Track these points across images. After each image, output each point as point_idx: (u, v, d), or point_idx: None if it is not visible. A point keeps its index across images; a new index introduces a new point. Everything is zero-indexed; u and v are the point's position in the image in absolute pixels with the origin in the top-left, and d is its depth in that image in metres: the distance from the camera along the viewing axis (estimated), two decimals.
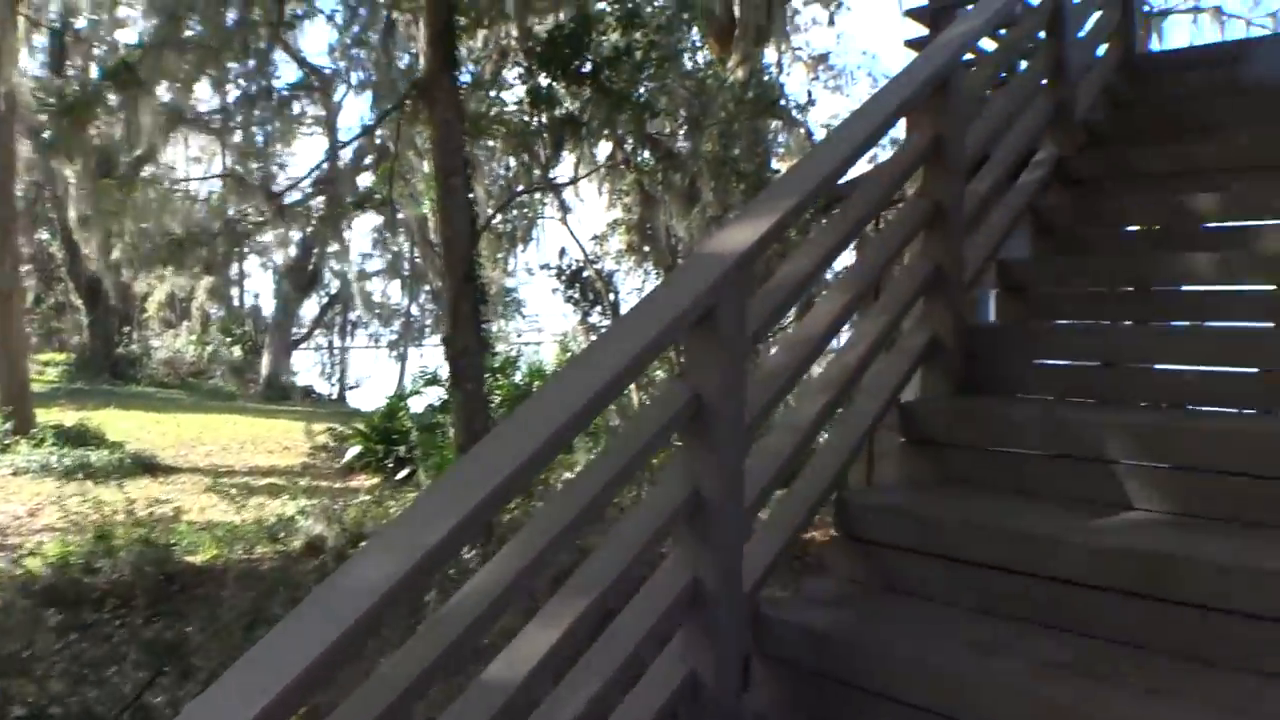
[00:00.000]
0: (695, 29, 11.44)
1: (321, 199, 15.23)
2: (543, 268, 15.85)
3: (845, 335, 3.48)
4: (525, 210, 14.87)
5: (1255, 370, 3.00)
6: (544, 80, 8.43)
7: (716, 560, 2.43)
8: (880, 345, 3.25)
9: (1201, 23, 17.02)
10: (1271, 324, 3.37)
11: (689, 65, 10.74)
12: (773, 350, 2.91)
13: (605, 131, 10.23)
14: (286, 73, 27.32)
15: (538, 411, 2.03)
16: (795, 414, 2.97)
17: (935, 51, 3.52)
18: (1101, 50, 5.24)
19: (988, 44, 4.48)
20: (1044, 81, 4.44)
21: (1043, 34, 4.48)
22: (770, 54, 14.27)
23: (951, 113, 3.38)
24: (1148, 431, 2.81)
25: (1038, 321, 3.85)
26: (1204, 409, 3.05)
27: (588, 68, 8.32)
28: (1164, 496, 2.75)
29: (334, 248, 21.42)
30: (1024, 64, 4.69)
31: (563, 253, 14.81)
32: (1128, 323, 3.69)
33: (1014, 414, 3.14)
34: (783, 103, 10.45)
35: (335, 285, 27.17)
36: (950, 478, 3.20)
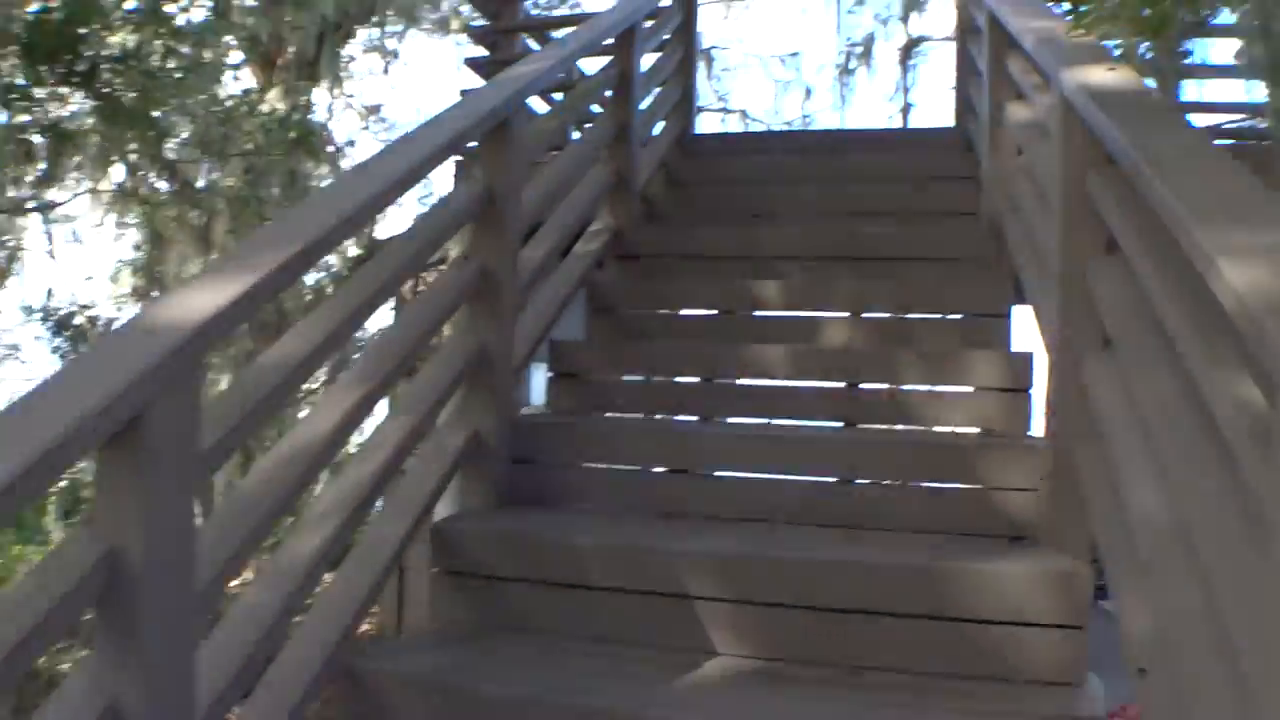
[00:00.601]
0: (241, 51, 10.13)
1: None
2: (26, 310, 13.09)
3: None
4: (6, 238, 12.24)
5: (834, 479, 2.68)
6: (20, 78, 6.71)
7: None
8: (409, 447, 2.51)
9: (729, 122, 18.79)
10: (841, 423, 3.14)
11: (223, 89, 9.40)
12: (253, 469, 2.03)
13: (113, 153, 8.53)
14: None
15: None
16: (280, 560, 2.09)
17: (497, 86, 2.91)
18: (660, 126, 5.05)
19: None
20: (605, 148, 4.06)
21: (608, 95, 4.12)
22: (323, 97, 13.31)
23: (509, 163, 2.78)
24: (729, 561, 2.34)
25: (597, 416, 3.34)
26: (790, 526, 2.65)
27: (83, 67, 6.76)
28: (752, 640, 2.28)
29: None
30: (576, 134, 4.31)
31: (50, 293, 12.31)
32: (694, 419, 3.29)
33: (573, 536, 2.54)
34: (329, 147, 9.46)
35: None
36: (502, 622, 2.50)
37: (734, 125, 18.50)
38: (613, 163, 4.04)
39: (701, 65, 18.15)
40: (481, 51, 6.04)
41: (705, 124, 18.82)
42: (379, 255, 2.53)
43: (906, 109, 18.47)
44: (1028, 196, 3.26)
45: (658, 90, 4.94)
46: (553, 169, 3.48)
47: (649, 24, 4.65)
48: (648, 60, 4.79)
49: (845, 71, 18.04)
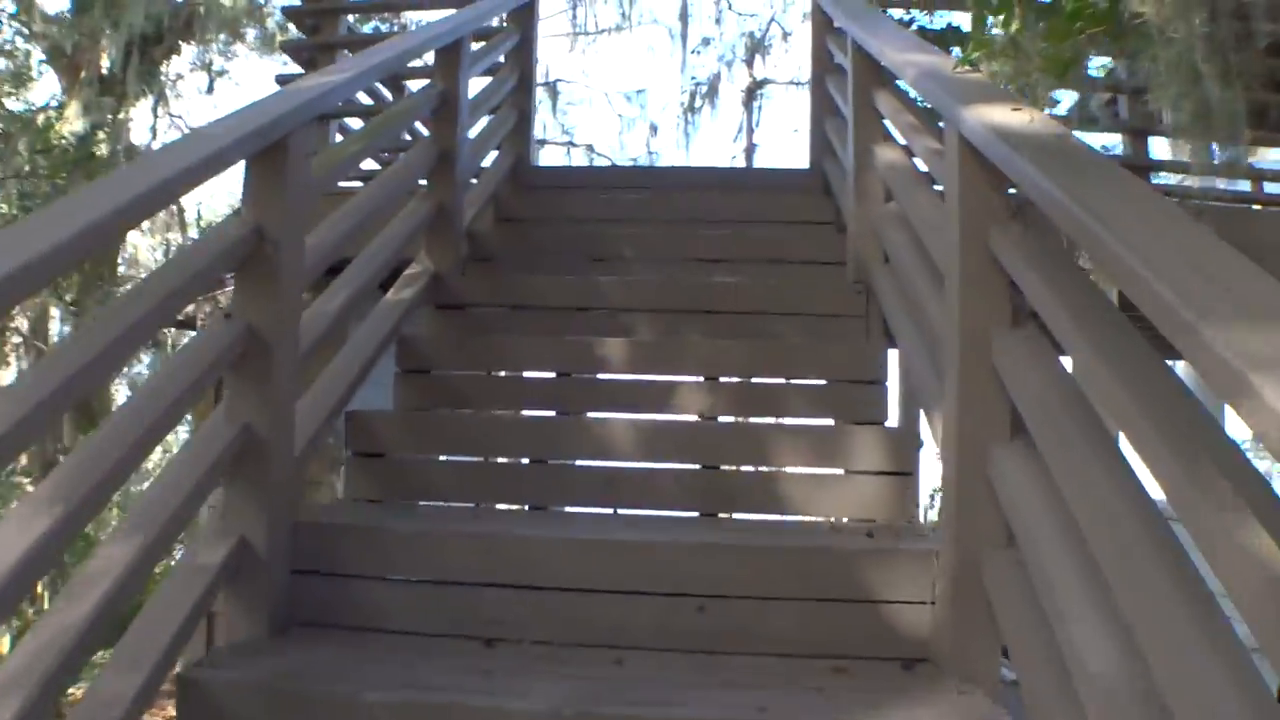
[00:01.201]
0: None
1: None
2: None
3: None
4: None
5: (693, 596, 2.18)
6: None
7: None
8: (144, 572, 1.86)
9: (574, 156, 18.41)
10: (696, 513, 2.66)
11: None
12: None
13: None
14: None
15: None
16: None
17: (274, 99, 2.33)
18: (494, 156, 4.52)
19: None
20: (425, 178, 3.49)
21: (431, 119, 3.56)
22: (146, 115, 12.24)
23: (286, 195, 2.18)
24: None
25: (405, 509, 2.76)
26: (641, 654, 2.12)
27: None
28: None
29: None
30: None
31: None
32: (525, 508, 2.75)
33: (360, 690, 1.94)
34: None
35: None
36: None
37: (579, 160, 18.24)
38: (434, 195, 3.47)
39: (546, 98, 17.82)
40: (297, 69, 5.39)
41: (550, 158, 18.45)
42: (99, 309, 1.88)
43: (750, 149, 18.59)
44: (903, 248, 2.89)
45: (489, 118, 4.42)
46: (357, 201, 2.89)
47: (479, 45, 4.13)
48: (479, 84, 4.26)
49: (690, 110, 18.04)
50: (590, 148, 18.42)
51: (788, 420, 3.07)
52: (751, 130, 18.68)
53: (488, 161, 4.43)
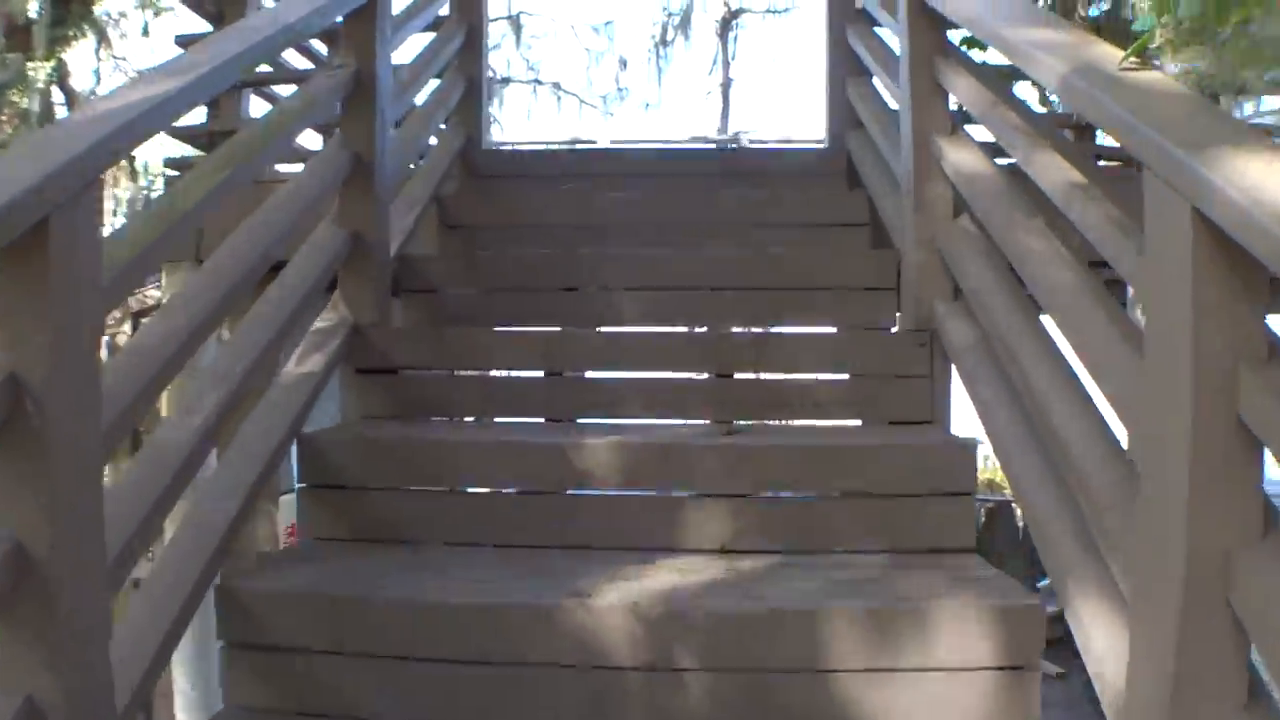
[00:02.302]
0: None
1: None
2: None
3: None
4: None
5: None
6: None
7: None
8: None
9: (540, 94, 17.26)
10: None
11: None
12: None
13: None
14: None
15: None
16: None
17: (29, 161, 1.42)
18: (437, 139, 3.60)
19: None
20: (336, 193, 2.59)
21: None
22: (87, 58, 11.15)
23: (47, 319, 1.30)
24: None
25: None
26: None
27: None
28: None
29: None
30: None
31: None
32: None
33: None
34: None
35: None
36: None
37: (545, 100, 17.10)
38: (346, 220, 2.58)
39: (509, 31, 16.65)
40: (203, 26, 4.43)
41: (514, 97, 17.27)
42: None
43: (727, 84, 17.53)
44: (996, 295, 2.08)
45: (425, 95, 3.50)
46: (217, 261, 2.00)
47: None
48: (408, 53, 3.34)
49: (662, 43, 16.88)
50: (557, 85, 17.30)
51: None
52: (728, 64, 17.56)
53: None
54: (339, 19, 2.56)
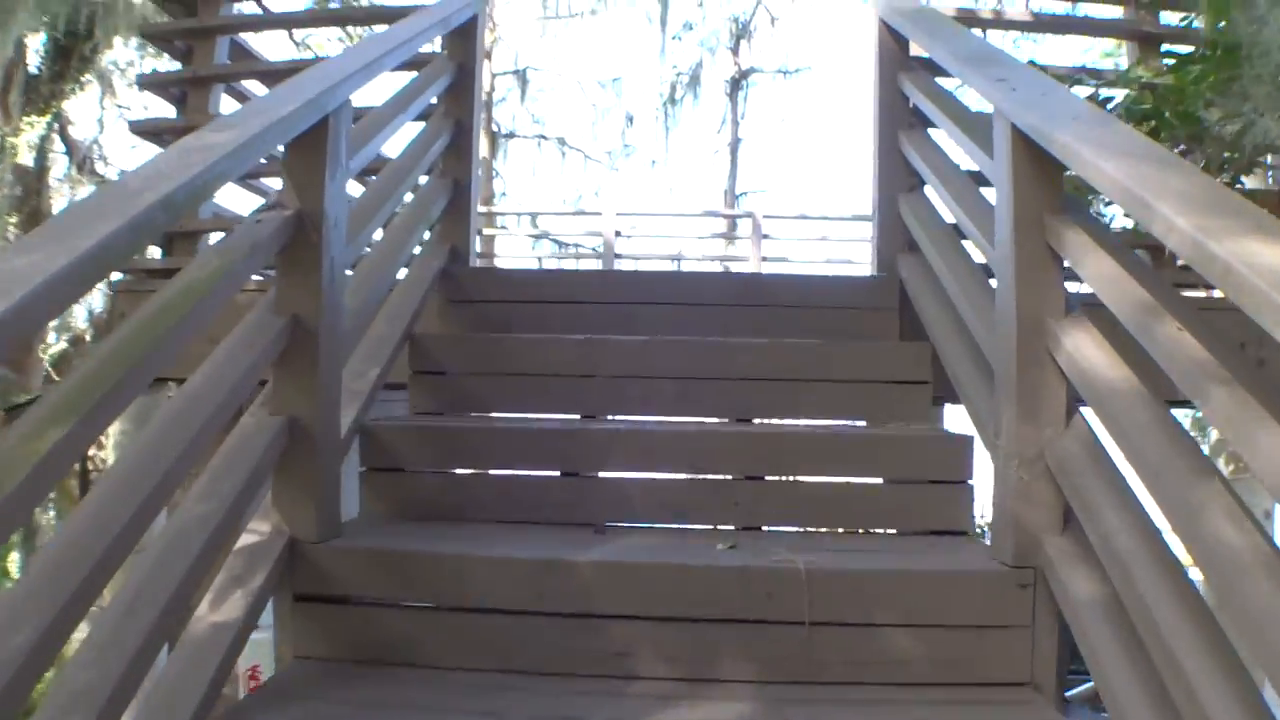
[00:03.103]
0: None
1: None
2: None
3: None
4: None
5: None
6: None
7: None
8: None
9: (545, 149, 16.87)
10: None
11: None
12: None
13: None
14: None
15: None
16: None
17: None
18: (414, 255, 3.04)
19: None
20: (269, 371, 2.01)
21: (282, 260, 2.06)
22: (92, 109, 11.39)
23: None
24: None
25: None
26: None
27: None
28: None
29: None
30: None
31: None
32: None
33: None
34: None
35: None
36: None
37: (549, 155, 16.67)
38: (283, 404, 1.99)
39: (515, 86, 16.25)
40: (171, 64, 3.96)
41: (518, 152, 16.81)
42: None
43: (735, 143, 17.11)
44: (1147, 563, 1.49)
45: (399, 207, 2.94)
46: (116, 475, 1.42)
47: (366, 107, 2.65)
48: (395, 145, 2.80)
49: (670, 101, 16.45)
50: (562, 140, 16.86)
51: None
52: (736, 123, 17.15)
53: (402, 273, 2.97)
54: (279, 149, 2.00)
